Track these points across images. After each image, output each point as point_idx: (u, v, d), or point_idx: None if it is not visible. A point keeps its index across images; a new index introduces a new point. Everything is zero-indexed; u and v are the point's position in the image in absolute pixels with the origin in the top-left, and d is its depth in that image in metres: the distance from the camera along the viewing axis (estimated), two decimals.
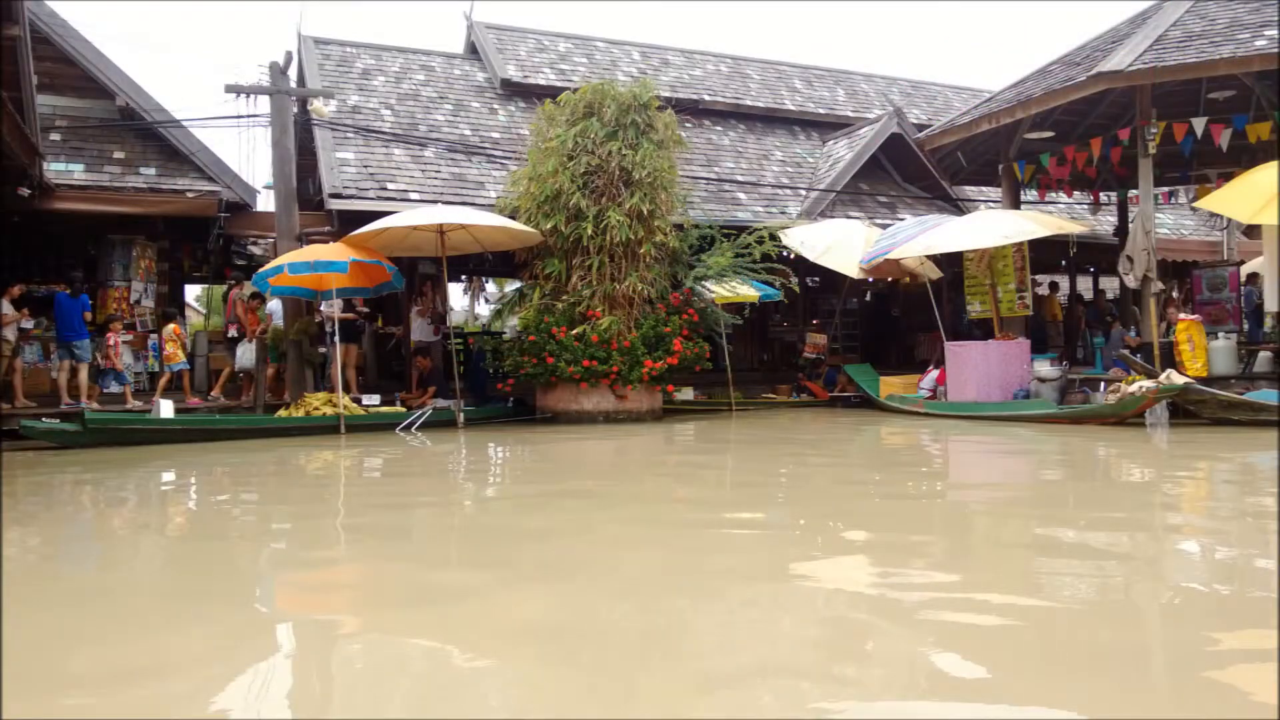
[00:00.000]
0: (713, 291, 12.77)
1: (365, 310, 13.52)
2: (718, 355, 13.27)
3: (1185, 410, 9.60)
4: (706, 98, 17.03)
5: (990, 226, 11.85)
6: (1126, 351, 10.93)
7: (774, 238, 12.86)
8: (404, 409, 11.54)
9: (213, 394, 12.45)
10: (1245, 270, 13.38)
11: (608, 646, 2.87)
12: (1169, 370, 9.71)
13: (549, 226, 11.49)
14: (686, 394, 13.69)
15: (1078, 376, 11.53)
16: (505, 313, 13.74)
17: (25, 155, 9.79)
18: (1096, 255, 17.04)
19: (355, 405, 11.17)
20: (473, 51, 16.96)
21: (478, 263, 16.41)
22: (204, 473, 7.78)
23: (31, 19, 10.26)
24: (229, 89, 11.66)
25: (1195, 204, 14.23)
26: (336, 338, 11.09)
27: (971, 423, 10.90)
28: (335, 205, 12.04)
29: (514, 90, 15.79)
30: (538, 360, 11.53)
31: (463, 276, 20.70)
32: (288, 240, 11.68)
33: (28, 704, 2.37)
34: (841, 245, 13.08)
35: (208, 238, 13.18)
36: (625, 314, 11.66)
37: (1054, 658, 2.67)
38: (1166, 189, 15.58)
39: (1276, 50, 10.05)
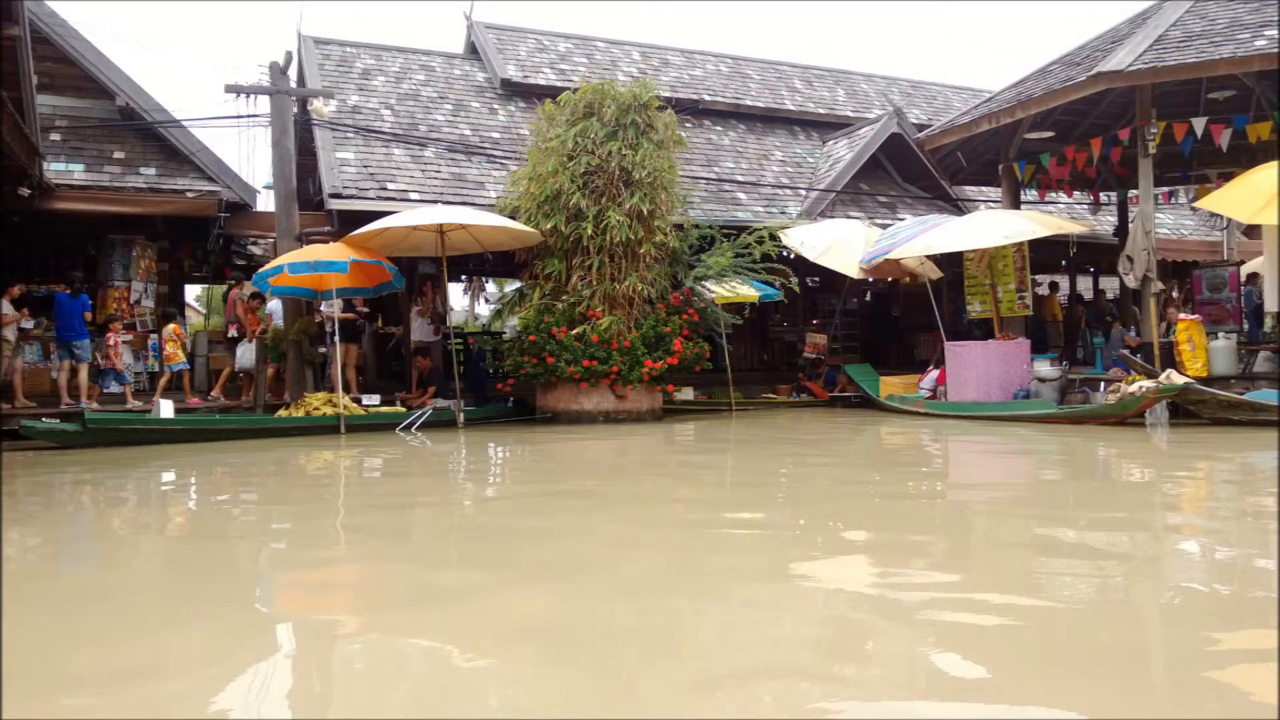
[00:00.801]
0: (713, 291, 12.77)
1: (365, 310, 13.53)
2: (718, 355, 13.27)
3: (1185, 410, 9.60)
4: (706, 98, 17.03)
5: (990, 226, 11.85)
6: (1126, 351, 10.93)
7: (774, 238, 12.86)
8: (404, 409, 11.54)
9: (213, 394, 12.45)
10: (1245, 270, 13.38)
11: (608, 646, 2.87)
12: (1169, 370, 9.71)
13: (549, 226, 11.49)
14: (686, 394, 13.69)
15: (1078, 376, 11.53)
16: (505, 313, 13.75)
17: (25, 155, 9.79)
18: (1096, 255, 17.04)
19: (355, 405, 11.17)
20: (473, 51, 16.96)
21: (478, 263, 16.40)
22: (204, 473, 7.78)
23: (31, 19, 10.25)
24: (229, 89, 11.67)
25: (1195, 204, 14.22)
26: (336, 338, 11.10)
27: (971, 423, 10.91)
28: (335, 205, 12.05)
29: (514, 90, 15.79)
30: (538, 360, 11.53)
31: (463, 276, 20.69)
32: (288, 240, 11.69)
33: (28, 704, 2.37)
34: (841, 245, 13.09)
35: (208, 238, 13.18)
36: (625, 314, 11.66)
37: (1054, 658, 2.67)
38: (1166, 189, 15.57)
39: (1276, 50, 10.04)
